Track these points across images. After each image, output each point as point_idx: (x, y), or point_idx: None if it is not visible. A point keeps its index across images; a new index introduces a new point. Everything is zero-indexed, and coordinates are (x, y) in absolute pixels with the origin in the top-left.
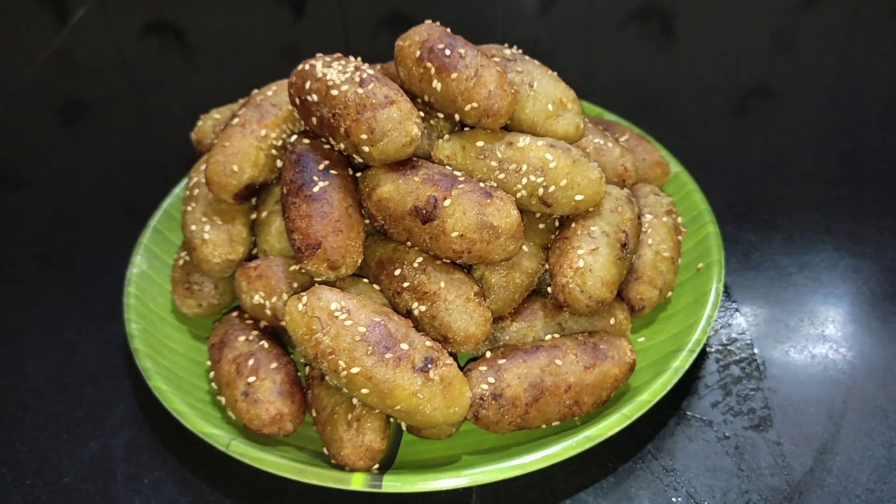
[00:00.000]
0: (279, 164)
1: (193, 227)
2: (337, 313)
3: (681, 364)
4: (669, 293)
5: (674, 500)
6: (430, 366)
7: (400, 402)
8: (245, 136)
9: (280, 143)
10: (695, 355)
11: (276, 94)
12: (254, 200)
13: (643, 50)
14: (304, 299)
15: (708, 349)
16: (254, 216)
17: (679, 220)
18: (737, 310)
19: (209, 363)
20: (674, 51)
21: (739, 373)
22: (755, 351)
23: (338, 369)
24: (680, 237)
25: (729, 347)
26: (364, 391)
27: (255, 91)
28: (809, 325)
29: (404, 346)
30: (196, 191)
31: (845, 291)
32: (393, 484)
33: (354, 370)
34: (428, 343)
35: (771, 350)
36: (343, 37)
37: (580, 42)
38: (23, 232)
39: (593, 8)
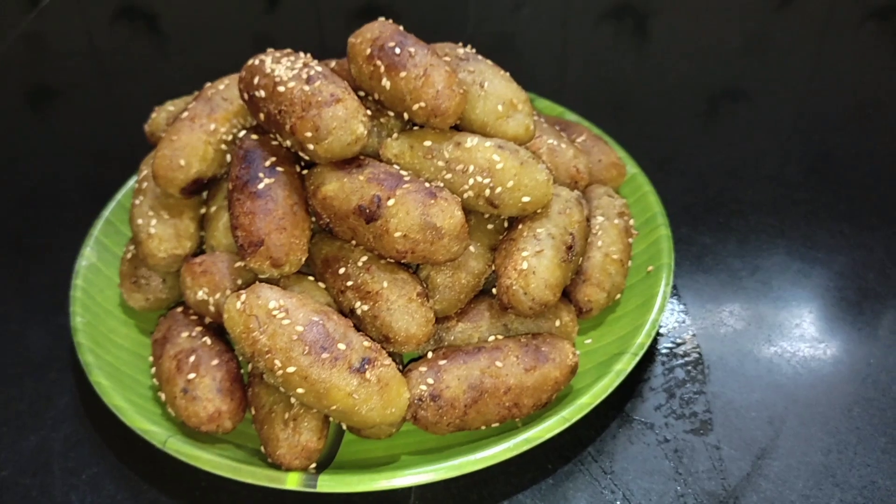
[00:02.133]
0: (228, 158)
1: (140, 221)
2: (275, 312)
3: (623, 367)
4: (618, 295)
5: (610, 502)
6: (366, 366)
7: (336, 403)
8: (194, 129)
9: (230, 137)
10: (637, 358)
11: (227, 88)
12: (204, 195)
13: (616, 48)
14: (243, 297)
15: (655, 352)
16: (203, 211)
17: (631, 222)
18: (686, 312)
19: (151, 358)
20: (647, 50)
21: (684, 376)
22: (701, 354)
23: (274, 368)
24: (631, 240)
25: (675, 350)
26: (300, 391)
27: (208, 84)
28: (757, 329)
29: (341, 346)
30: (145, 184)
31: (794, 296)
32: (328, 484)
33: (290, 369)
34: (366, 343)
35: (717, 354)
36: (316, 27)
37: (554, 38)
38: None
39: (569, 5)
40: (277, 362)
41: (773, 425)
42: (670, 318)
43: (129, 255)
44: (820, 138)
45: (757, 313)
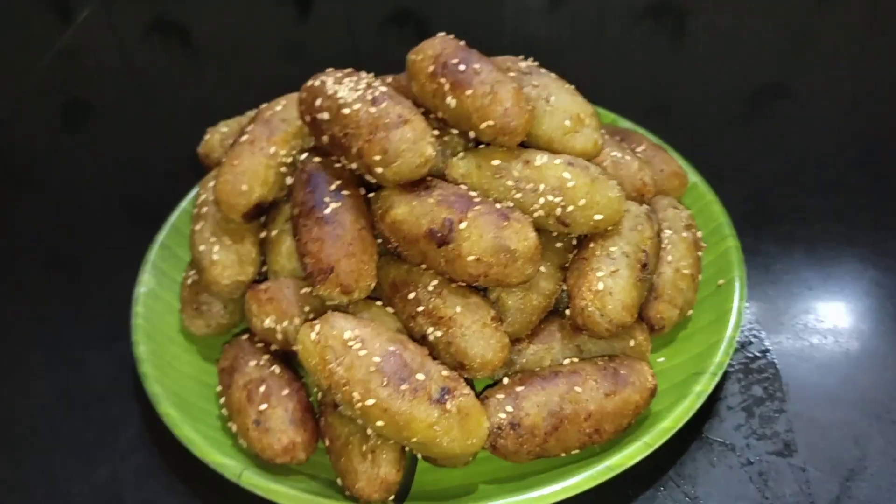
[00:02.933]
0: (289, 181)
1: (202, 248)
2: (350, 342)
3: (703, 388)
4: (690, 311)
5: None
6: (446, 396)
7: (416, 435)
8: (254, 153)
9: (290, 160)
10: (717, 378)
11: (285, 109)
12: (262, 218)
13: (655, 49)
14: (317, 328)
15: (729, 368)
16: (263, 234)
17: (699, 234)
18: (758, 325)
19: (219, 388)
20: (687, 50)
21: (762, 393)
22: (778, 370)
23: (352, 401)
24: (700, 252)
25: (751, 366)
26: (379, 423)
27: (264, 106)
28: (834, 342)
29: (420, 377)
30: (204, 209)
31: (870, 307)
32: None
33: (369, 402)
34: (444, 372)
35: (794, 369)
36: (349, 35)
37: (591, 41)
38: (27, 241)
39: (605, 4)
40: (356, 395)
41: (859, 445)
42: (742, 330)
43: (189, 281)
44: (875, 138)
45: (832, 325)
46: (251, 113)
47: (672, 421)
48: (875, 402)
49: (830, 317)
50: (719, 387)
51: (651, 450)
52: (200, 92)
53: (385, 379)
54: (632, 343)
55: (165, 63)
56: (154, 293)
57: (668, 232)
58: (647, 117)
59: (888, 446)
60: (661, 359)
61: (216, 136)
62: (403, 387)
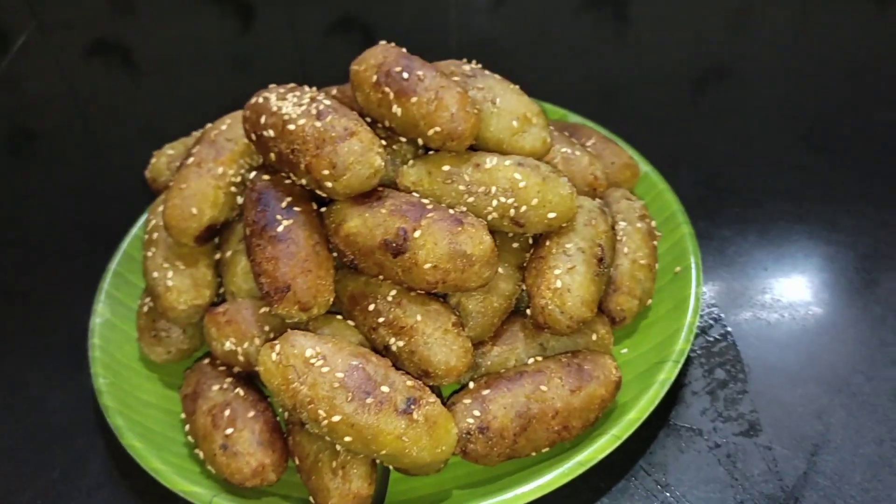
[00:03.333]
0: (239, 200)
1: (156, 274)
2: (312, 360)
3: (667, 376)
4: (649, 301)
5: None
6: (412, 406)
7: (385, 447)
8: (202, 175)
9: (239, 179)
10: (680, 365)
11: (230, 128)
12: (216, 240)
13: (598, 40)
14: (277, 348)
15: (691, 353)
16: (217, 256)
17: (653, 224)
18: (717, 309)
19: (183, 415)
20: (630, 38)
21: (725, 376)
22: (738, 351)
23: (318, 418)
24: (655, 242)
25: (712, 350)
26: (347, 439)
27: (209, 126)
28: (791, 320)
29: (385, 389)
30: (155, 234)
31: (824, 283)
32: None
33: (336, 418)
34: (409, 382)
35: (754, 350)
36: (294, 44)
37: (534, 37)
38: None
39: None
40: (321, 412)
41: (822, 419)
42: (701, 316)
43: (145, 309)
44: (817, 115)
45: (788, 303)
46: (197, 134)
47: (638, 412)
48: (835, 377)
49: (786, 295)
50: (683, 373)
51: (620, 442)
52: (147, 112)
53: (350, 394)
54: (594, 337)
55: (108, 85)
56: (110, 323)
57: (622, 224)
58: (596, 109)
59: (850, 419)
60: (625, 350)
61: (162, 160)
62: (369, 400)
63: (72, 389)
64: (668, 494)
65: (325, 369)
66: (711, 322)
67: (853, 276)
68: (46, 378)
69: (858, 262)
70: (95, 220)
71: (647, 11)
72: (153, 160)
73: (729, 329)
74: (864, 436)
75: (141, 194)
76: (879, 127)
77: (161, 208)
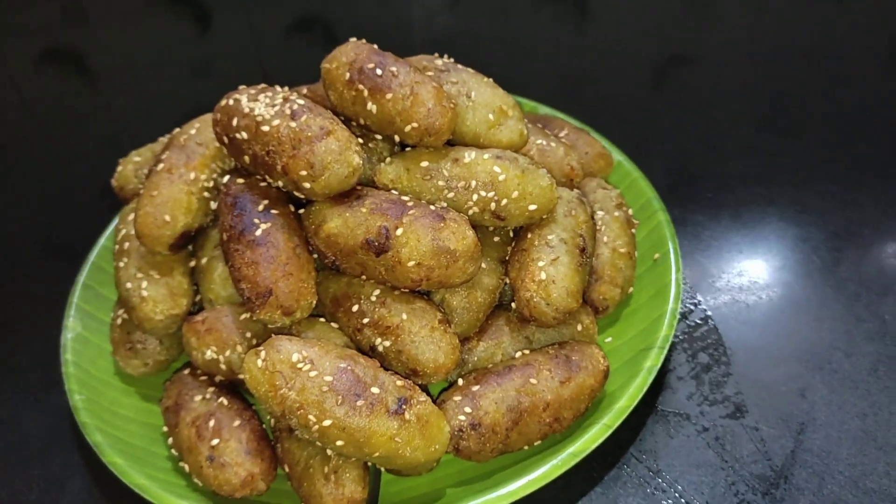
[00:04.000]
0: (213, 205)
1: (129, 285)
2: (300, 364)
3: (653, 363)
4: (630, 289)
5: (664, 502)
6: (404, 407)
7: (378, 449)
8: (173, 181)
9: (211, 184)
10: (665, 352)
11: (199, 132)
12: (189, 247)
13: (561, 33)
14: (263, 354)
15: (674, 339)
16: (192, 263)
17: (630, 212)
18: (696, 293)
19: (165, 428)
20: (591, 31)
21: (708, 360)
22: (720, 335)
23: (308, 424)
24: (633, 230)
25: (694, 335)
26: (339, 443)
27: (177, 130)
28: (768, 301)
29: (375, 390)
30: (126, 244)
31: (797, 262)
32: None
33: (326, 423)
34: (399, 382)
35: (735, 332)
36: (253, 46)
37: (497, 31)
38: None
39: None
40: (311, 417)
41: (806, 397)
42: (683, 301)
43: (119, 321)
44: (780, 98)
45: (765, 284)
46: (164, 139)
47: (628, 399)
48: (814, 355)
49: (762, 276)
50: (667, 359)
51: (611, 431)
52: (104, 121)
53: (339, 397)
54: (579, 328)
55: (63, 94)
56: (82, 337)
57: (600, 213)
58: (562, 102)
59: (833, 395)
60: (609, 339)
61: (129, 167)
62: (359, 403)
63: (44, 408)
64: (660, 480)
65: (313, 373)
66: (691, 307)
67: (825, 255)
68: (16, 398)
69: (830, 241)
70: (55, 233)
71: (606, 2)
72: (119, 168)
73: (709, 313)
74: (847, 412)
75: (101, 205)
76: (839, 109)
77: (131, 217)
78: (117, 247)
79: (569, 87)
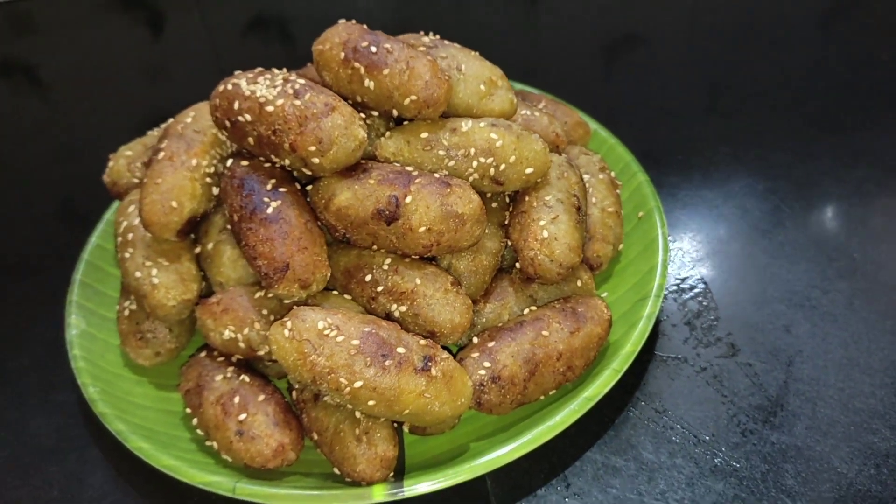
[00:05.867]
0: (215, 191)
1: (138, 274)
2: (326, 331)
3: (652, 310)
4: (620, 246)
5: (674, 438)
6: (429, 363)
7: (408, 406)
8: (176, 168)
9: (212, 170)
10: (661, 299)
11: (195, 120)
12: (192, 235)
13: (512, 17)
14: (289, 324)
15: (665, 291)
16: (197, 250)
17: (612, 174)
18: (679, 248)
19: (188, 410)
20: (541, 15)
21: (697, 307)
22: (706, 283)
23: (340, 387)
24: (618, 191)
25: (682, 286)
26: (371, 403)
27: (172, 120)
28: (748, 248)
29: (401, 350)
30: (130, 235)
31: (768, 213)
32: (416, 486)
33: (357, 384)
34: (422, 342)
35: (719, 280)
36: (210, 47)
37: (450, 19)
38: None
39: None
40: (343, 380)
41: (792, 333)
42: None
43: (126, 313)
44: (733, 67)
45: (742, 233)
46: (154, 132)
47: (632, 345)
48: (795, 294)
49: (738, 227)
50: (660, 309)
51: (620, 375)
52: (59, 132)
53: (368, 359)
54: (578, 283)
55: (15, 107)
56: (87, 333)
57: (586, 176)
58: (523, 82)
59: (815, 329)
60: (604, 294)
61: (121, 162)
62: (388, 363)
63: (51, 409)
64: (666, 419)
65: (340, 338)
66: (676, 260)
67: (794, 204)
68: (19, 400)
69: (795, 191)
70: (36, 242)
71: None
72: (111, 164)
73: (693, 264)
74: (830, 342)
75: (61, 217)
76: (785, 71)
77: (131, 209)
78: (120, 239)
79: (525, 71)
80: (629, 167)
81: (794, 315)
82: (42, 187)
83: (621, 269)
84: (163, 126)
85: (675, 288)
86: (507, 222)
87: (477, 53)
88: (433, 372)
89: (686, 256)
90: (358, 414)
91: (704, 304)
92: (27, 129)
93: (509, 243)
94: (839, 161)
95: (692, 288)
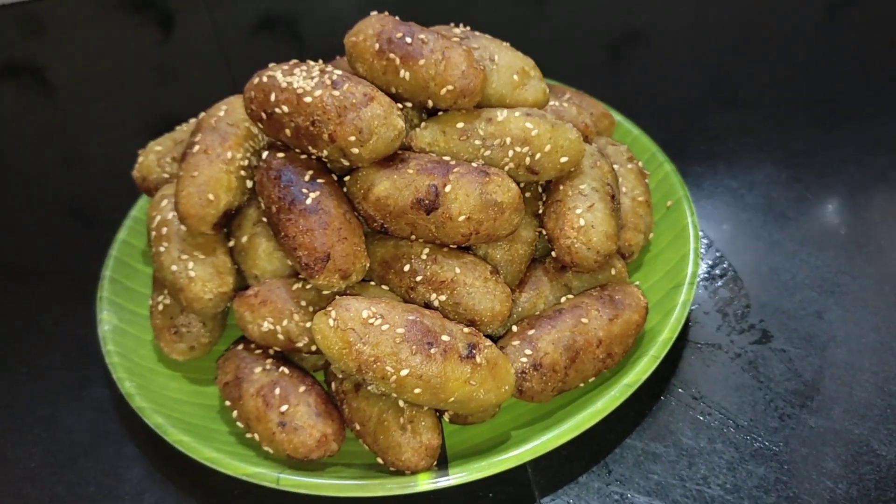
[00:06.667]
0: (248, 185)
1: (174, 268)
2: (371, 320)
3: (686, 297)
4: (651, 235)
5: (712, 424)
6: (474, 351)
7: (454, 393)
8: (212, 161)
9: (246, 162)
10: (694, 287)
11: (228, 113)
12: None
13: (523, 16)
14: (333, 314)
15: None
16: (231, 243)
17: (640, 164)
18: (707, 236)
19: (227, 403)
20: (547, 10)
21: (728, 294)
22: (735, 271)
23: (386, 375)
24: (646, 180)
25: (713, 273)
26: (417, 391)
27: (204, 115)
28: (777, 236)
29: (446, 338)
30: (164, 229)
31: (794, 200)
32: (460, 474)
33: (404, 372)
34: (465, 330)
35: (749, 267)
36: (218, 47)
37: (456, 18)
38: None
39: None
40: (389, 368)
41: (824, 318)
42: None
43: (160, 307)
44: (754, 57)
45: (768, 222)
46: (183, 128)
47: (669, 332)
48: (825, 280)
49: (765, 216)
50: None
51: (658, 362)
52: (68, 135)
53: (413, 347)
54: (612, 272)
55: (23, 109)
56: (119, 329)
57: (615, 166)
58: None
59: (847, 314)
60: (637, 282)
61: (151, 157)
62: (433, 350)
63: (84, 405)
64: (704, 405)
65: (384, 327)
66: (705, 248)
67: (819, 192)
68: (53, 397)
69: (819, 178)
70: (55, 244)
71: None
72: (140, 159)
73: (722, 253)
74: (863, 327)
75: (76, 217)
76: (804, 62)
77: (164, 203)
78: (154, 233)
79: (536, 62)
80: (655, 157)
81: (826, 301)
82: (54, 188)
83: (651, 258)
84: (192, 120)
85: (705, 276)
86: (540, 211)
87: (508, 44)
88: (478, 359)
89: (714, 245)
90: (401, 403)
91: (735, 291)
92: (36, 131)
93: (543, 232)
94: (861, 148)
95: (722, 276)
